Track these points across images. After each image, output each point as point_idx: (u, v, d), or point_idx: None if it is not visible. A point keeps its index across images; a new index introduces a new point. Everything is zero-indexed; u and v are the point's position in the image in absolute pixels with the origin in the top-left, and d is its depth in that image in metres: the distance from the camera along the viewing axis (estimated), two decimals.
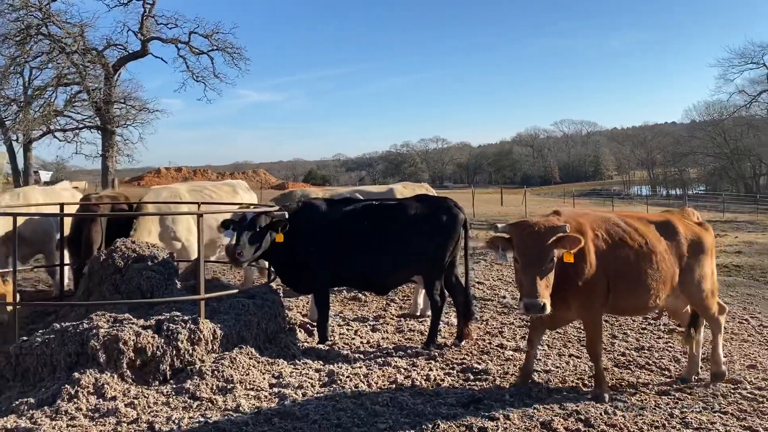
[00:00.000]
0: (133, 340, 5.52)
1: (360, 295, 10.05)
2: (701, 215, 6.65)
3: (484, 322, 8.47)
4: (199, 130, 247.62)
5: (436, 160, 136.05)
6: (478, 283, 11.32)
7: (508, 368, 6.42)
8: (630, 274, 5.61)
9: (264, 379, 5.82)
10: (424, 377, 6.03)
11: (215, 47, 31.47)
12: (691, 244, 5.94)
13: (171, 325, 5.80)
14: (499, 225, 5.40)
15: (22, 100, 31.99)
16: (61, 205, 8.26)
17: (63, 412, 4.92)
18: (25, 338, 5.60)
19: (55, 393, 5.11)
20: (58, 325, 5.62)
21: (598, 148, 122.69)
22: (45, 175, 69.10)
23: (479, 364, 6.52)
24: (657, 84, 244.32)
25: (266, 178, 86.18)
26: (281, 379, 5.82)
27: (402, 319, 8.63)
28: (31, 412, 4.93)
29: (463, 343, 7.25)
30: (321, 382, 5.81)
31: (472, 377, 6.15)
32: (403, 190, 9.71)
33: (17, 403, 5.05)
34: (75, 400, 5.07)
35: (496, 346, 7.22)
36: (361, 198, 8.35)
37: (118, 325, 5.67)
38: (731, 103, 56.97)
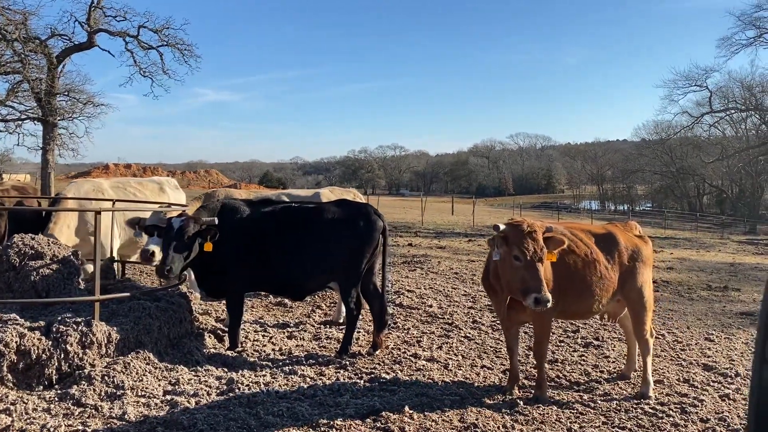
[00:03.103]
0: (16, 341, 5.21)
1: (286, 300, 9.85)
2: (644, 230, 6.89)
3: (405, 331, 8.36)
4: (154, 127, 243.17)
5: (394, 167, 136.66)
6: (408, 291, 11.24)
7: (417, 378, 6.32)
8: (577, 279, 5.94)
9: (159, 385, 5.57)
10: (329, 387, 5.88)
11: (165, 43, 30.65)
12: (631, 253, 6.31)
13: (61, 327, 5.51)
14: (500, 225, 5.56)
15: None
16: None
17: None
18: None
19: None
20: None
21: (551, 162, 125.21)
22: None
23: (388, 374, 6.41)
24: (609, 102, 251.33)
25: (219, 178, 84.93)
26: (177, 386, 5.58)
27: (323, 326, 8.46)
28: None
29: (377, 352, 7.12)
30: (218, 390, 5.60)
31: (378, 387, 6.02)
32: (330, 194, 9.52)
33: None
34: None
35: (410, 355, 7.12)
36: (286, 200, 8.17)
37: (1, 325, 5.35)
38: (677, 123, 58.75)
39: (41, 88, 29.20)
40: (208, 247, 6.46)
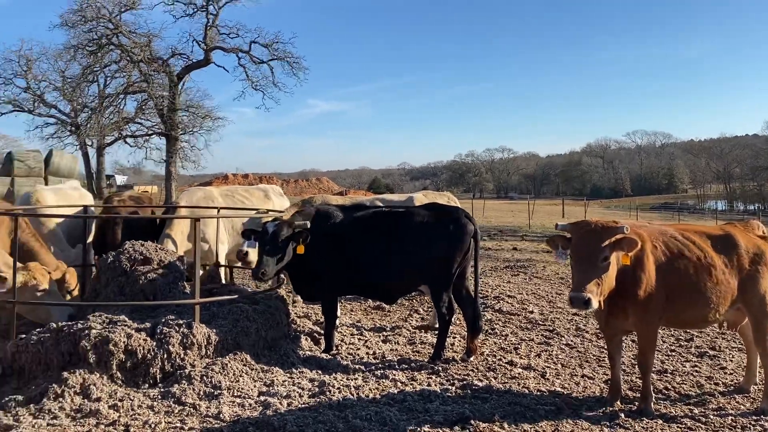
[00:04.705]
0: (124, 342, 5.55)
1: (384, 304, 9.88)
2: None
3: (503, 337, 8.14)
4: (270, 138, 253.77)
5: (502, 170, 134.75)
6: (508, 296, 10.95)
7: (511, 386, 6.12)
8: (689, 286, 5.59)
9: (254, 386, 5.74)
10: (419, 392, 5.81)
11: (275, 57, 31.96)
12: (752, 256, 5.86)
13: (164, 328, 5.82)
14: (560, 224, 5.51)
15: (96, 107, 33.53)
16: (86, 207, 8.50)
17: (46, 411, 4.98)
18: (22, 336, 5.72)
19: (43, 391, 5.19)
20: (53, 325, 5.73)
21: (672, 160, 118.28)
22: (120, 179, 72.36)
23: (481, 381, 6.25)
24: (736, 94, 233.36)
25: (329, 185, 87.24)
26: (272, 388, 5.73)
27: (418, 330, 8.41)
28: (16, 409, 5.02)
29: (471, 358, 6.97)
30: (310, 393, 5.69)
31: (469, 394, 5.88)
32: (423, 198, 9.49)
33: (6, 399, 5.16)
34: (60, 399, 5.12)
35: (506, 363, 6.91)
36: (380, 205, 8.21)
37: (111, 326, 5.73)
38: None
39: (164, 104, 31.31)
40: (300, 249, 6.63)
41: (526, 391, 6.01)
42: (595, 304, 4.99)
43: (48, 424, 4.82)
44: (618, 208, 72.16)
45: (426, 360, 6.91)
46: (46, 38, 71.87)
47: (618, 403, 5.70)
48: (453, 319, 7.38)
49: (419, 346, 7.65)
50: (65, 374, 5.32)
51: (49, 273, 6.60)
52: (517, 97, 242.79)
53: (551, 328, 8.67)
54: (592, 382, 6.41)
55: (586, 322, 8.99)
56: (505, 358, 7.12)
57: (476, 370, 6.64)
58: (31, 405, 5.07)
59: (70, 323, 5.77)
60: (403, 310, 9.79)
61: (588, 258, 5.11)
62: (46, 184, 24.62)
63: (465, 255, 6.86)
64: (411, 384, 6.11)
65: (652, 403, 5.59)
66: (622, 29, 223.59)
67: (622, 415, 5.41)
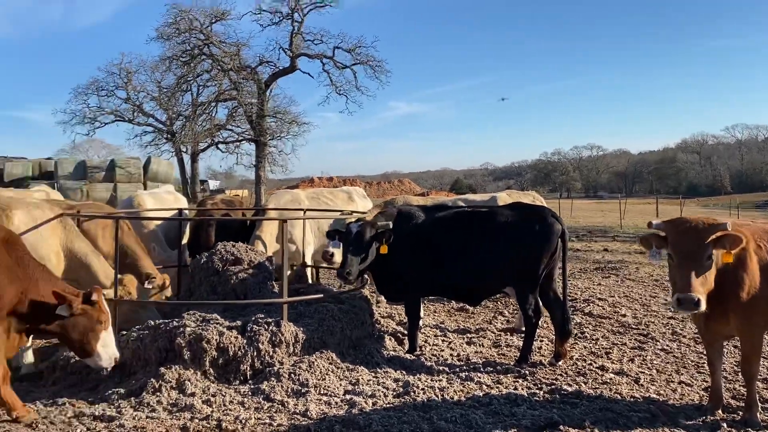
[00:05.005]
0: (216, 339, 5.77)
1: (467, 306, 9.78)
2: None
3: (593, 341, 7.85)
4: (353, 142, 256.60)
5: (590, 168, 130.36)
6: (599, 299, 10.56)
7: (602, 392, 5.89)
8: None
9: (340, 385, 5.82)
10: (505, 396, 5.69)
11: (357, 61, 32.42)
12: None
13: (254, 326, 6.01)
14: (654, 222, 5.28)
15: (190, 115, 35.12)
16: (180, 210, 8.91)
17: (146, 404, 5.26)
18: (123, 333, 6.05)
19: (142, 385, 5.48)
20: (151, 322, 6.02)
21: None
22: (213, 184, 75.42)
23: (570, 386, 6.04)
24: None
25: (411, 187, 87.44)
26: (357, 387, 5.78)
27: (503, 333, 8.26)
28: (119, 402, 5.32)
29: (560, 362, 6.78)
30: (394, 393, 5.70)
31: (558, 399, 5.71)
32: (507, 198, 9.33)
33: (110, 392, 5.48)
34: (158, 393, 5.39)
35: (597, 368, 6.66)
36: (462, 206, 8.14)
37: (204, 324, 5.97)
38: None
39: (253, 111, 32.43)
40: (383, 249, 6.68)
41: (619, 397, 5.77)
42: (704, 305, 4.73)
43: (147, 417, 5.08)
44: (717, 207, 68.18)
45: (512, 363, 6.77)
46: (144, 51, 76.11)
47: (719, 412, 5.38)
48: (540, 322, 7.22)
49: (505, 348, 7.51)
50: (162, 369, 5.59)
51: (154, 278, 7.00)
52: (605, 93, 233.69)
53: (645, 332, 8.29)
54: (690, 389, 6.08)
55: (683, 326, 8.54)
56: (595, 362, 6.88)
57: (565, 375, 6.44)
58: (132, 398, 5.36)
59: (166, 321, 6.05)
60: (487, 312, 9.65)
61: (691, 256, 4.83)
62: (145, 189, 26.02)
63: (552, 256, 6.67)
64: (497, 387, 6.01)
65: (758, 413, 5.23)
66: (717, 18, 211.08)
67: (725, 425, 5.11)
